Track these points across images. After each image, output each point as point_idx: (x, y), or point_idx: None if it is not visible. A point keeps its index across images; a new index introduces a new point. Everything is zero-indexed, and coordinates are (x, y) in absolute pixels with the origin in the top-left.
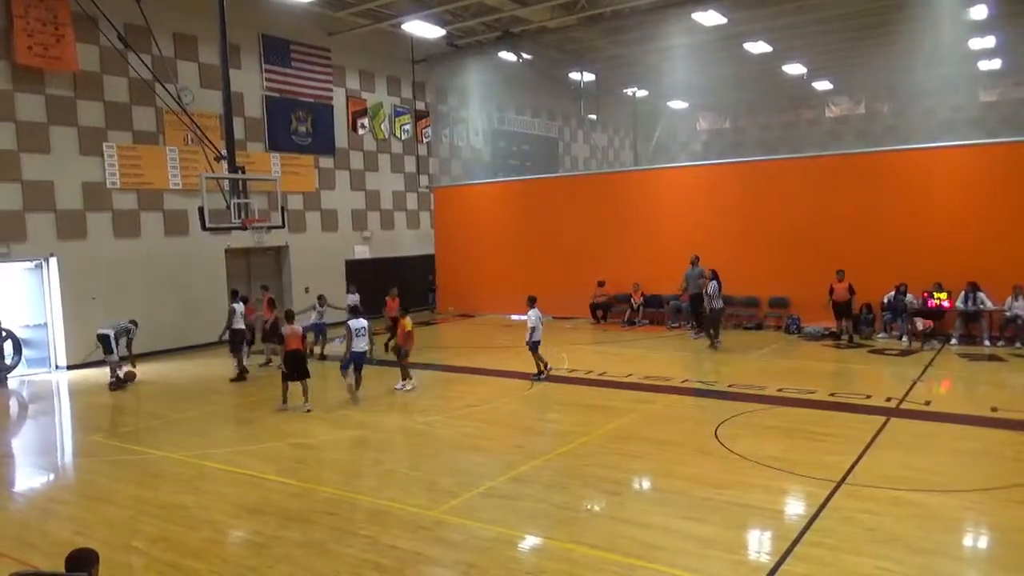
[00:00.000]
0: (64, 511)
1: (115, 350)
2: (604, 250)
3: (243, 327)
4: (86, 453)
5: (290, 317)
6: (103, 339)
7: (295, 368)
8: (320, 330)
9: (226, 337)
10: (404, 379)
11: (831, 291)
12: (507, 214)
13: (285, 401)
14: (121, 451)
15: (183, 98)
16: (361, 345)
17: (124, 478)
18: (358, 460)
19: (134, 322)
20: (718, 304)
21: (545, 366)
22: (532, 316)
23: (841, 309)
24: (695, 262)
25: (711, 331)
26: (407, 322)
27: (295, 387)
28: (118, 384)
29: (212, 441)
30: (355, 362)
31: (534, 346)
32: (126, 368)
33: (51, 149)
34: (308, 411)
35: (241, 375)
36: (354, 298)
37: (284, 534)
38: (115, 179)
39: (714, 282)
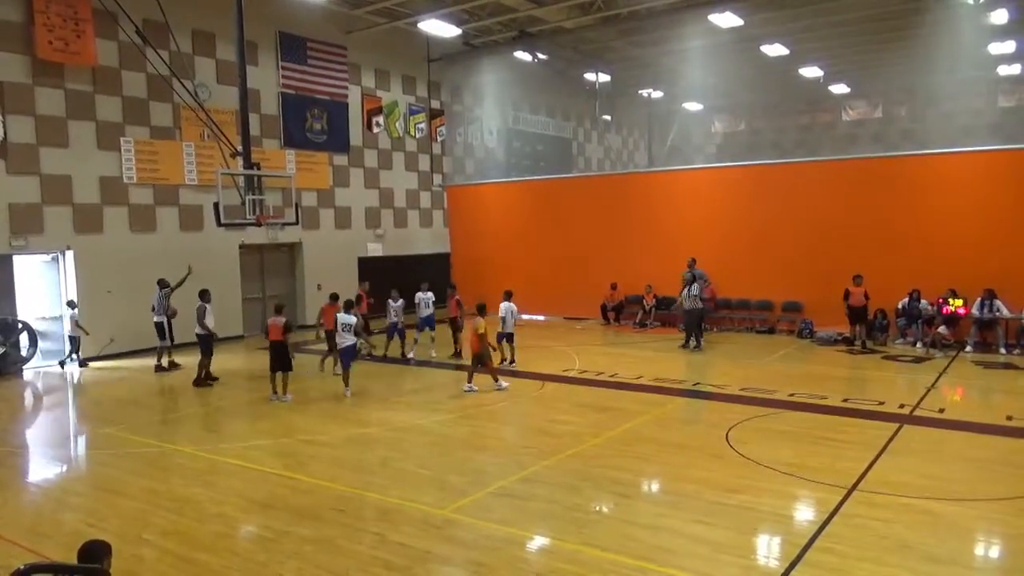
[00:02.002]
0: (77, 502)
1: (168, 336)
2: (617, 251)
3: (207, 331)
4: (99, 445)
5: (278, 310)
6: (159, 326)
7: (275, 359)
8: (396, 330)
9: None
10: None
11: (847, 295)
12: (520, 214)
13: (275, 392)
14: (133, 444)
15: (200, 94)
16: (346, 340)
17: (136, 471)
18: (368, 458)
19: (163, 282)
20: (696, 304)
21: (503, 360)
22: (502, 308)
23: (856, 314)
24: (691, 264)
25: (689, 331)
26: (481, 324)
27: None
28: (170, 367)
29: (223, 435)
30: (341, 358)
31: (502, 337)
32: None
33: (69, 143)
34: (286, 401)
35: (207, 378)
36: (427, 296)
37: (294, 530)
38: (131, 174)
39: (695, 283)
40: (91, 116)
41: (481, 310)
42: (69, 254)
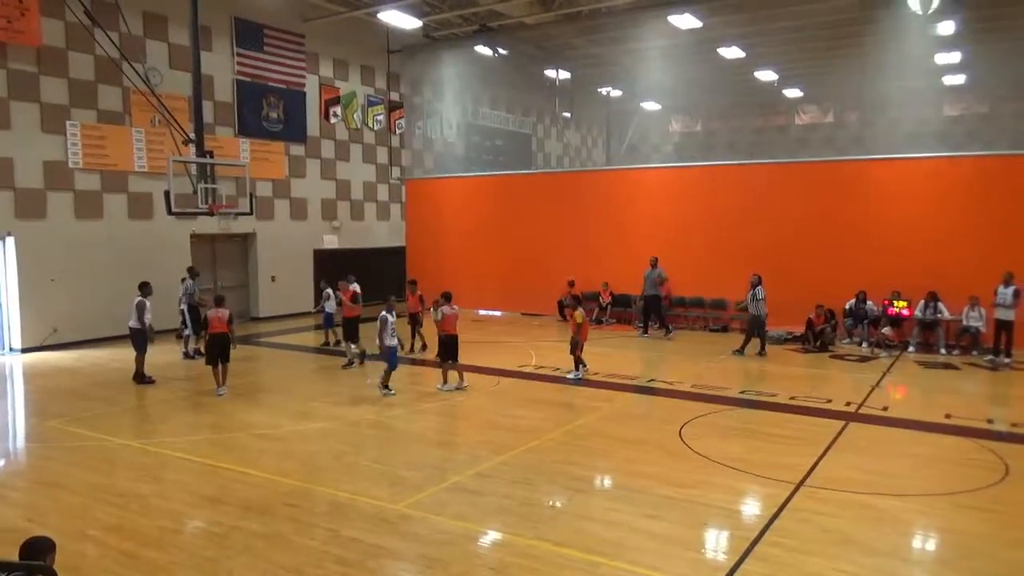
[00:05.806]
0: (16, 497)
1: (190, 324)
2: (574, 248)
3: (143, 326)
4: (40, 438)
5: (219, 301)
6: (184, 313)
7: (215, 351)
8: (331, 322)
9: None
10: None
11: (809, 323)
12: (478, 209)
13: (219, 384)
14: (77, 437)
15: (151, 79)
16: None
17: (80, 464)
18: (322, 452)
19: (193, 271)
20: (759, 311)
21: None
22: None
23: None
24: (654, 263)
25: (749, 336)
26: (579, 314)
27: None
28: (194, 355)
29: (172, 429)
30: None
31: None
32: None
33: (11, 125)
34: (221, 395)
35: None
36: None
37: (244, 525)
38: (78, 159)
39: (760, 287)
40: (35, 98)
41: (578, 301)
42: (10, 240)
